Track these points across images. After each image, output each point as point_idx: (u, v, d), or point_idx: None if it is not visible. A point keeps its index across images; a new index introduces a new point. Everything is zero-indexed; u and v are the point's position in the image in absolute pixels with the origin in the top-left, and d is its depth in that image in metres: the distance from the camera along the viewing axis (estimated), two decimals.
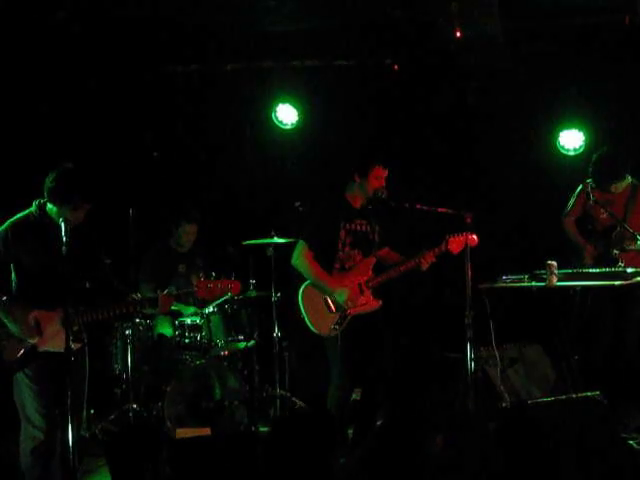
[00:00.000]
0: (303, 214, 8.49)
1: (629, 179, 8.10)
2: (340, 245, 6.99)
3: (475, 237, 6.96)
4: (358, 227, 7.06)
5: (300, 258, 6.98)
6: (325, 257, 6.97)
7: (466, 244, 6.92)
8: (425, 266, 7.04)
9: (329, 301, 6.92)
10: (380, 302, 7.08)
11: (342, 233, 6.98)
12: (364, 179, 6.97)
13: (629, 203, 8.07)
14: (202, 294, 6.11)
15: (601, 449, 5.38)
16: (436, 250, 7.05)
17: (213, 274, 6.14)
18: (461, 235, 6.99)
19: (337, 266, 7.00)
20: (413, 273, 7.12)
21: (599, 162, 8.13)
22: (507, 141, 9.37)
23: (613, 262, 7.77)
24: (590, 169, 8.16)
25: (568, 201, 8.38)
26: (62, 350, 5.54)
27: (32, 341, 5.70)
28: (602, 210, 8.12)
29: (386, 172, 7.00)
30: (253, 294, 8.73)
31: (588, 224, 8.28)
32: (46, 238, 5.72)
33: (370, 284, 7.01)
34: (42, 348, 5.71)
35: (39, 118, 8.63)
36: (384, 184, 6.99)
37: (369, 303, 7.02)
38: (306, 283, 7.00)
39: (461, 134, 9.54)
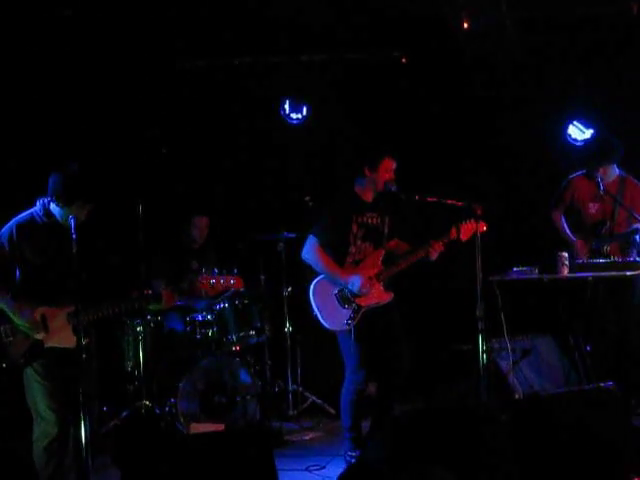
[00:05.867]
0: (313, 209, 8.47)
1: (617, 170, 8.04)
2: (352, 239, 6.97)
3: (484, 225, 6.95)
4: (369, 220, 7.04)
5: (310, 252, 6.96)
6: (338, 253, 6.96)
7: (475, 231, 6.90)
8: (434, 255, 7.02)
9: (341, 295, 6.91)
10: (392, 295, 7.06)
11: (354, 227, 6.97)
12: (374, 172, 6.96)
13: (618, 195, 8.00)
14: (205, 290, 6.12)
15: (615, 440, 5.37)
16: (444, 239, 7.05)
17: (216, 270, 6.14)
18: (469, 222, 6.99)
19: (350, 260, 7.00)
20: (424, 265, 7.12)
21: (593, 143, 8.12)
22: (515, 132, 9.35)
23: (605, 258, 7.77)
24: (585, 153, 8.12)
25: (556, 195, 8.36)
26: (68, 346, 5.64)
27: (38, 337, 5.73)
28: (592, 204, 8.10)
29: (395, 164, 6.99)
30: (263, 289, 8.76)
31: (573, 218, 8.23)
32: (51, 236, 5.78)
33: (380, 277, 7.00)
34: (48, 344, 5.74)
35: (49, 114, 8.62)
36: (394, 176, 6.99)
37: (381, 296, 7.00)
38: (316, 280, 6.99)
39: (469, 126, 9.52)
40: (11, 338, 5.72)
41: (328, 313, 6.93)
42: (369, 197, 7.06)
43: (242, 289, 6.37)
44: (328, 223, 7.01)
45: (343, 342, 6.96)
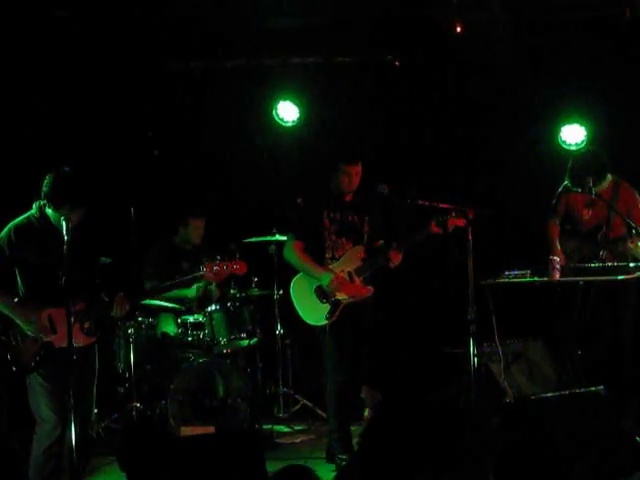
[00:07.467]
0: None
1: (609, 177, 7.94)
2: (326, 233, 7.08)
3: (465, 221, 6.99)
4: (343, 217, 7.13)
5: (290, 251, 7.13)
6: (315, 247, 7.08)
7: (467, 220, 6.91)
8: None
9: (319, 290, 6.98)
10: (370, 290, 7.10)
11: (326, 221, 7.09)
12: (334, 176, 7.11)
13: (612, 201, 7.91)
14: (209, 277, 6.17)
15: (606, 445, 5.37)
16: (424, 233, 7.08)
17: (218, 257, 6.15)
18: (457, 218, 7.01)
19: (328, 255, 7.09)
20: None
21: (582, 160, 7.95)
22: (508, 136, 9.35)
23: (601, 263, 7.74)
24: (572, 167, 7.97)
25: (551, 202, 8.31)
26: (78, 345, 5.70)
27: (48, 339, 5.75)
28: (586, 210, 8.04)
29: (355, 168, 7.08)
30: (255, 292, 8.76)
31: (568, 225, 8.20)
32: (48, 239, 5.80)
33: (360, 272, 7.03)
34: (59, 344, 5.76)
35: (40, 116, 8.62)
36: (355, 180, 7.09)
37: (358, 291, 7.05)
38: (296, 277, 7.11)
39: (462, 129, 9.52)
40: (21, 344, 5.74)
41: (308, 309, 7.04)
42: (341, 196, 7.16)
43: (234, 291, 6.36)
44: (300, 217, 7.23)
45: (322, 340, 6.99)
